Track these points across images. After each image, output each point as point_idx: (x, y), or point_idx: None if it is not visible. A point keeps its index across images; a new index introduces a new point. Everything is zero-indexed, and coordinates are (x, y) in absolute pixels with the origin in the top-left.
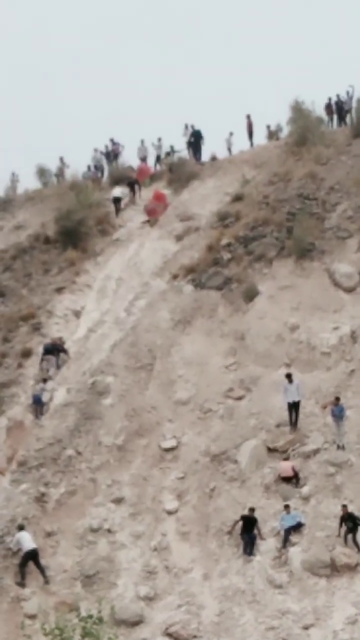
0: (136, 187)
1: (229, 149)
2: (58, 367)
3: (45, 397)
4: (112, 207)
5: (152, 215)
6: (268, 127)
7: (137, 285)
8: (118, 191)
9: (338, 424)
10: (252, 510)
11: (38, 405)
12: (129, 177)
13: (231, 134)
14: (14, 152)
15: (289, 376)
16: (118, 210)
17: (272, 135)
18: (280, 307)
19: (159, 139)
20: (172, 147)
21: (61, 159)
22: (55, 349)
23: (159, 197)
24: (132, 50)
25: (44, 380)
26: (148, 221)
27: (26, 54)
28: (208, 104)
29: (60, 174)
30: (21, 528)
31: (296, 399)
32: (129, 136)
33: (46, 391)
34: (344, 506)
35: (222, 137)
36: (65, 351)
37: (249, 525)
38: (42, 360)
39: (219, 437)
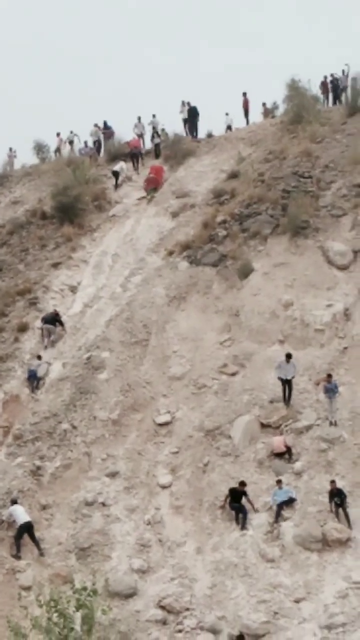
0: (139, 158)
1: (229, 127)
2: (53, 341)
3: (41, 371)
4: (108, 183)
5: (153, 184)
6: (264, 104)
7: (132, 261)
8: (118, 165)
9: (330, 400)
10: (242, 484)
11: (34, 379)
12: (132, 150)
13: (227, 114)
14: (12, 128)
15: (288, 356)
16: (117, 184)
17: (268, 113)
18: (275, 284)
19: (154, 115)
20: (162, 129)
21: (58, 134)
22: (54, 320)
23: (157, 170)
24: (130, 27)
25: (39, 357)
26: (147, 195)
27: (26, 31)
28: (205, 81)
29: (57, 150)
30: (14, 502)
31: (290, 376)
32: (127, 112)
33: (41, 365)
34: (332, 482)
35: (219, 114)
36: (62, 324)
37: (236, 497)
38: (41, 330)
39: (212, 412)
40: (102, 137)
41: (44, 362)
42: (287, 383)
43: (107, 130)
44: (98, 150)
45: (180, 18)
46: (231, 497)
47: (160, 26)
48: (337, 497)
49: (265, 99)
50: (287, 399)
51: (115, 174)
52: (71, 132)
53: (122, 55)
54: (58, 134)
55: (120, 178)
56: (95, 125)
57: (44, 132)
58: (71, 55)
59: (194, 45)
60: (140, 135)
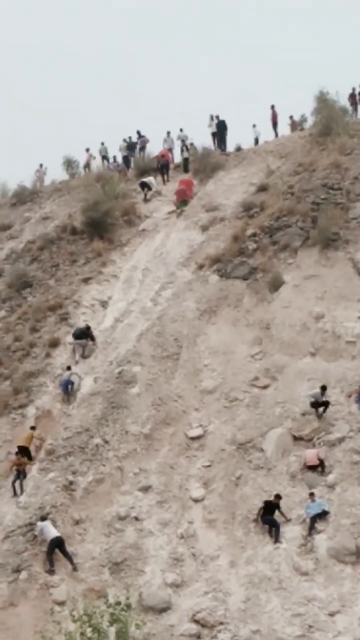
0: (167, 169)
1: (257, 139)
2: (84, 356)
3: (74, 378)
4: (137, 198)
5: (183, 196)
6: (291, 117)
7: (163, 275)
8: (147, 178)
9: None
10: (277, 496)
11: (67, 389)
12: (160, 160)
13: (254, 126)
14: (42, 144)
15: (323, 388)
16: (146, 196)
17: (295, 126)
18: (305, 297)
19: (181, 129)
20: (190, 143)
21: (87, 150)
22: (85, 335)
23: (187, 183)
24: (155, 45)
25: (68, 368)
26: (177, 209)
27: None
28: (233, 95)
29: (87, 165)
30: (43, 518)
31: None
32: (157, 127)
33: (73, 375)
34: None
35: (246, 128)
36: (93, 338)
37: (269, 510)
38: (73, 345)
39: (244, 425)
40: (132, 151)
41: (74, 372)
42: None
43: (142, 138)
44: (127, 164)
45: (211, 31)
46: (265, 510)
47: (191, 40)
48: None
49: (294, 111)
50: (319, 412)
51: (144, 185)
52: (102, 145)
53: (150, 69)
54: (87, 150)
55: (150, 192)
56: (124, 140)
57: (73, 147)
58: (101, 68)
59: (223, 59)
60: (170, 150)
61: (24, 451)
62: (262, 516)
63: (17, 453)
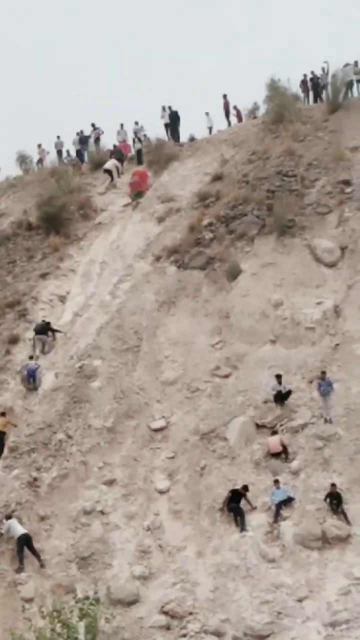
0: (123, 161)
1: (210, 128)
2: (44, 351)
3: (39, 370)
4: (93, 192)
5: (138, 188)
6: (235, 107)
7: (121, 268)
8: (109, 164)
9: (325, 398)
10: (245, 488)
11: (32, 379)
12: (116, 152)
13: (207, 114)
14: None
15: (278, 377)
16: (112, 180)
17: (240, 116)
18: (263, 285)
19: (136, 123)
20: (144, 134)
21: (39, 146)
22: (45, 330)
23: (141, 175)
24: (107, 32)
25: (30, 357)
26: (131, 201)
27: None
28: (184, 86)
29: (39, 161)
30: (8, 517)
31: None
32: (107, 121)
33: (39, 366)
34: (333, 485)
35: (199, 118)
36: (58, 330)
37: (235, 498)
38: (33, 340)
39: (207, 415)
40: (85, 144)
41: (37, 363)
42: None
43: (96, 130)
44: (81, 158)
45: (158, 20)
46: (231, 499)
47: (140, 29)
48: (336, 499)
49: (246, 100)
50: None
51: (109, 172)
52: (58, 138)
53: (100, 60)
54: (39, 145)
55: (115, 174)
56: (77, 133)
57: (25, 142)
58: (50, 61)
59: (174, 49)
60: (124, 142)
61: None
62: (228, 505)
63: None
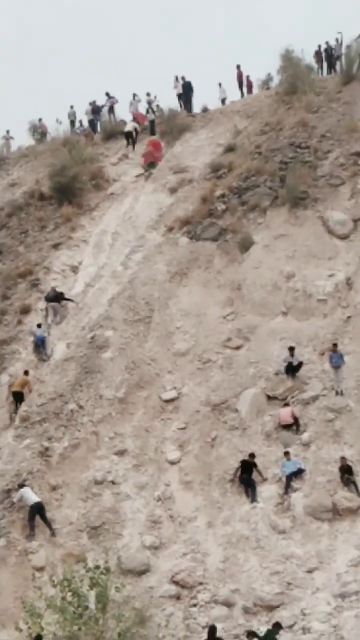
0: (138, 132)
1: (223, 100)
2: (57, 321)
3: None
4: (105, 162)
5: (150, 158)
6: (247, 77)
7: (133, 239)
8: (130, 126)
9: (336, 370)
10: (251, 455)
11: (42, 346)
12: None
13: (220, 85)
14: (7, 109)
15: (291, 349)
16: (132, 143)
17: (251, 87)
18: (276, 256)
19: (148, 94)
20: (156, 105)
21: (40, 120)
22: (57, 298)
23: (155, 144)
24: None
25: (39, 325)
26: (144, 171)
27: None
28: (198, 57)
29: (43, 134)
30: (22, 485)
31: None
32: (122, 91)
33: (48, 334)
34: (343, 458)
35: (212, 89)
36: (70, 300)
37: (246, 469)
38: (46, 309)
39: (218, 386)
40: (98, 114)
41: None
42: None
43: (111, 99)
44: (94, 128)
45: None
46: (242, 470)
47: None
48: (347, 472)
49: (260, 71)
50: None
51: (129, 134)
52: (71, 108)
53: (110, 31)
54: (40, 120)
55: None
56: (89, 103)
57: (39, 112)
58: (59, 31)
59: (186, 19)
60: (137, 112)
61: (17, 395)
62: (241, 475)
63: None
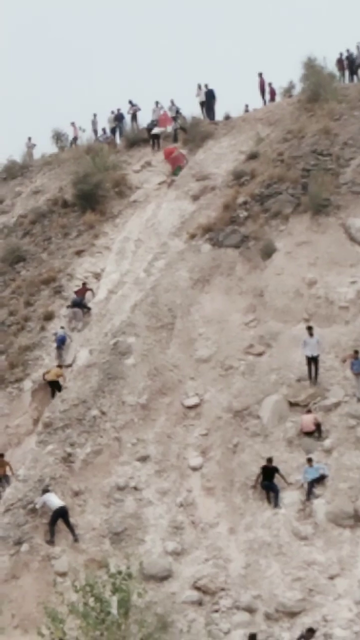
0: (159, 139)
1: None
2: (78, 327)
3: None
4: (128, 169)
5: (178, 162)
6: (270, 84)
7: (155, 246)
8: (156, 129)
9: (358, 376)
10: (269, 460)
11: (62, 344)
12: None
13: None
14: (31, 117)
15: (309, 328)
16: (157, 145)
17: (274, 94)
18: (298, 263)
19: (172, 101)
20: (179, 114)
21: (72, 124)
22: (79, 304)
23: (171, 152)
24: (148, 14)
25: (62, 328)
26: (174, 175)
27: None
28: (221, 65)
29: (74, 139)
30: (46, 490)
31: (315, 354)
32: (145, 100)
33: (69, 336)
34: None
35: (235, 97)
36: (88, 308)
37: (268, 475)
38: (69, 314)
39: (240, 393)
40: (120, 122)
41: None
42: (312, 360)
43: (134, 107)
44: (116, 136)
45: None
46: (263, 476)
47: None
48: None
49: (282, 79)
50: (313, 377)
51: (156, 137)
52: (95, 116)
53: (136, 41)
54: (72, 124)
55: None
56: (112, 112)
57: (60, 121)
58: (79, 42)
59: (208, 27)
60: (164, 115)
61: (55, 384)
62: (261, 482)
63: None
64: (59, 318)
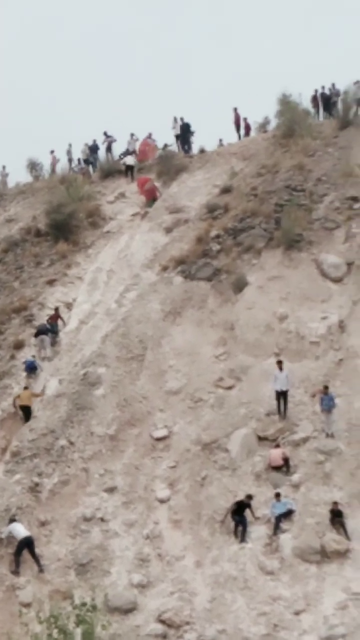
0: (133, 170)
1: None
2: (47, 356)
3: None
4: (102, 200)
5: (152, 195)
6: (245, 119)
7: (127, 277)
8: (130, 159)
9: (327, 412)
10: (248, 497)
11: (31, 372)
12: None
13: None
14: (4, 145)
15: (279, 363)
16: (132, 176)
17: (248, 128)
18: (269, 298)
19: (150, 134)
20: (165, 145)
21: (52, 152)
22: (47, 330)
23: (146, 182)
24: (124, 46)
25: (33, 357)
26: (147, 207)
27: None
28: (197, 99)
29: (53, 167)
30: (12, 520)
31: (284, 388)
32: (120, 131)
33: (37, 365)
34: (335, 503)
35: (210, 131)
36: (55, 332)
37: (239, 510)
38: (37, 343)
39: (209, 426)
40: (90, 154)
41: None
42: (282, 395)
43: (109, 138)
44: (92, 166)
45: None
46: (235, 511)
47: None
48: (337, 516)
49: (259, 112)
50: (282, 412)
51: (130, 168)
52: (70, 146)
53: (108, 71)
54: (52, 152)
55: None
56: (85, 144)
57: (34, 150)
58: (59, 71)
59: (185, 61)
60: (133, 152)
61: (26, 410)
62: (233, 515)
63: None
64: (29, 347)
